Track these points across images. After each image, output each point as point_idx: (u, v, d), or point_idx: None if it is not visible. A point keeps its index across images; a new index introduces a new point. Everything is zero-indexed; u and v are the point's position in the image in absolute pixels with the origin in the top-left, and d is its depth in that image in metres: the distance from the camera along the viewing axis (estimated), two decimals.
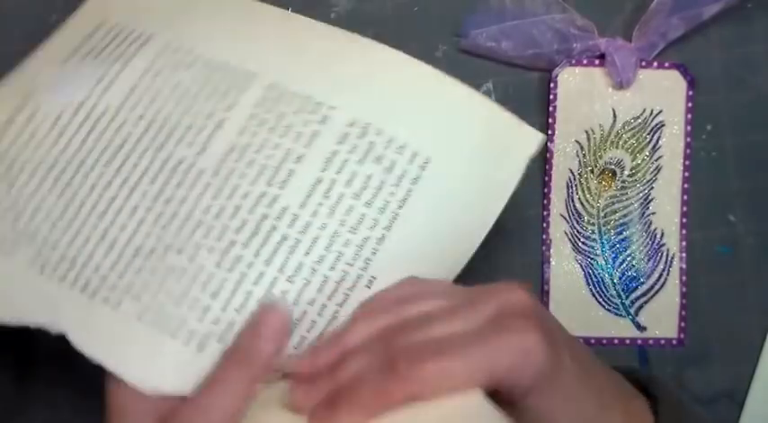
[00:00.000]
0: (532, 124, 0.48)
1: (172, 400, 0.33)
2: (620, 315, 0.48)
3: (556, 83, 0.48)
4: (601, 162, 0.48)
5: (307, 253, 0.34)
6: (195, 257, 0.34)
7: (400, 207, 0.35)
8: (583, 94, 0.48)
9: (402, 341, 0.30)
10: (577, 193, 0.48)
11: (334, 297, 0.34)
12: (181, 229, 0.34)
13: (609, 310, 0.48)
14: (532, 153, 0.37)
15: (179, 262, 0.34)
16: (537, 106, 0.48)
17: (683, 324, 0.48)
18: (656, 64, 0.48)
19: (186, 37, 0.38)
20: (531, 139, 0.37)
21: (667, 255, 0.48)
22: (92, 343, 0.33)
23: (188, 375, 0.33)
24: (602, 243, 0.48)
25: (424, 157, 0.36)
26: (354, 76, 0.37)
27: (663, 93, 0.48)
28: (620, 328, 0.48)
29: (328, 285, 0.34)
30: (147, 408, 0.32)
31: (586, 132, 0.48)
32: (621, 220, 0.48)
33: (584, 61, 0.47)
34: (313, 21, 0.39)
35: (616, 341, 0.48)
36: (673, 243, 0.48)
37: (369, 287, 0.34)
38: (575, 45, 0.47)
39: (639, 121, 0.48)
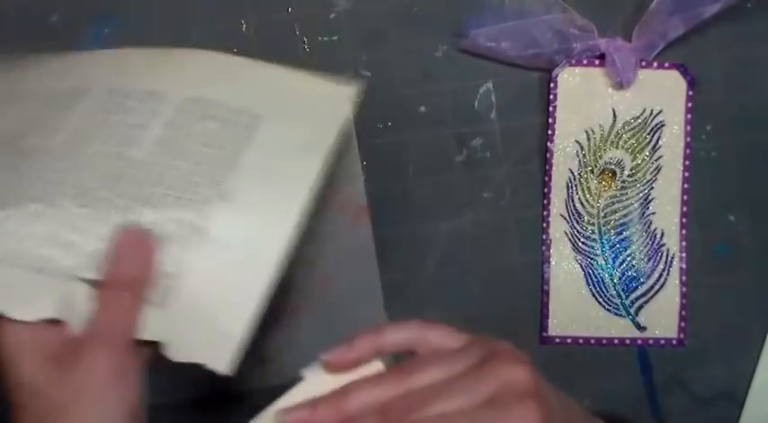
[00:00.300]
0: (533, 124, 0.48)
1: (59, 337, 0.34)
2: (620, 315, 0.48)
3: (556, 83, 0.47)
4: (600, 162, 0.48)
5: (159, 182, 0.38)
6: (53, 202, 0.37)
7: (244, 145, 0.39)
8: (583, 94, 0.48)
9: (401, 419, 0.31)
10: (577, 194, 0.48)
11: (191, 206, 0.37)
12: (33, 182, 0.38)
13: (609, 310, 0.48)
14: (347, 108, 0.41)
15: (37, 208, 0.37)
16: (537, 106, 0.48)
17: (683, 324, 0.48)
18: (655, 64, 0.48)
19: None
20: (345, 95, 0.41)
21: (667, 255, 0.48)
22: None
23: (64, 303, 0.35)
24: (602, 243, 0.48)
25: (254, 113, 0.40)
26: (188, 70, 0.42)
27: (663, 93, 0.48)
28: (620, 328, 0.48)
29: (185, 200, 0.37)
30: (34, 340, 0.34)
31: (586, 132, 0.48)
32: (622, 220, 0.48)
33: (584, 61, 0.47)
34: None
35: (616, 341, 0.48)
36: (673, 243, 0.48)
37: (223, 201, 0.37)
38: (575, 45, 0.47)
39: (639, 121, 0.48)
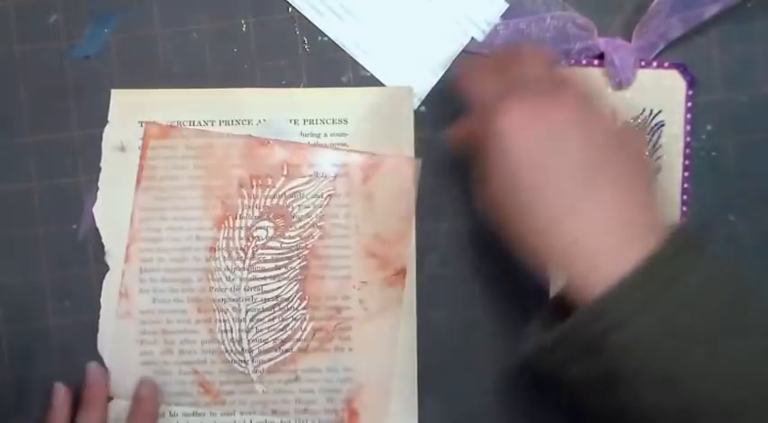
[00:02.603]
0: None
1: None
2: None
3: None
4: None
5: None
6: None
7: None
8: None
9: None
10: None
11: None
12: None
13: None
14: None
15: None
16: None
17: None
18: (655, 64, 0.47)
19: None
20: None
21: None
22: None
23: None
24: None
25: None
26: None
27: (663, 93, 0.48)
28: None
29: None
30: None
31: None
32: None
33: (584, 61, 0.47)
34: None
35: None
36: None
37: None
38: (574, 45, 0.47)
39: (639, 121, 0.48)
